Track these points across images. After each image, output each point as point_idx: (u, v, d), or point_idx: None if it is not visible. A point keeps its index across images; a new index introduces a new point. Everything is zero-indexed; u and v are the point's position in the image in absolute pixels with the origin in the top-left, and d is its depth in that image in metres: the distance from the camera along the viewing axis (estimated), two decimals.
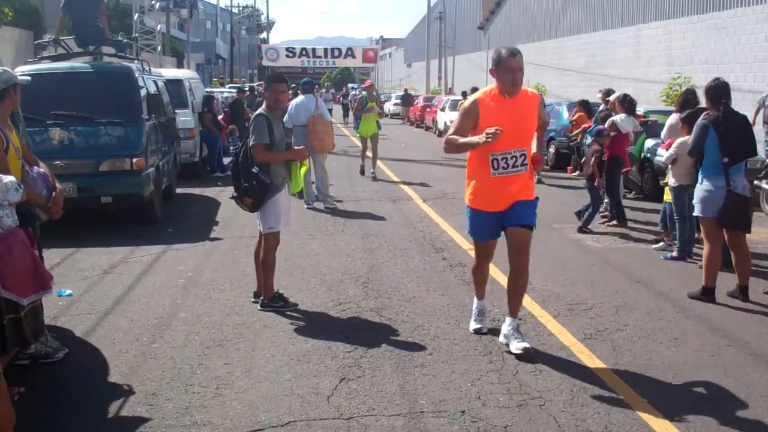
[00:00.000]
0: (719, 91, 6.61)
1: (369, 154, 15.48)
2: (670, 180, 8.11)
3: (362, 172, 15.44)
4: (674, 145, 7.94)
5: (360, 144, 16.33)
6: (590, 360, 5.11)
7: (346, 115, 36.59)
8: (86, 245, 8.56)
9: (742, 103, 13.78)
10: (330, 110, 30.44)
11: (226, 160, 16.00)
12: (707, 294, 6.58)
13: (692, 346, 5.45)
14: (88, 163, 9.00)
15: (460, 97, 25.81)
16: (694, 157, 6.95)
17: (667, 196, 8.38)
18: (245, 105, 20.04)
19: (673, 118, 8.68)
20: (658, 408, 4.35)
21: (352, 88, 39.97)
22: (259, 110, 6.35)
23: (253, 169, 6.05)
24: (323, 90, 24.06)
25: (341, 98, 39.01)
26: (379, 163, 15.68)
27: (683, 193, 7.98)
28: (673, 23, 20.68)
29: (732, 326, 5.93)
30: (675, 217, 8.15)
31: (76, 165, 8.87)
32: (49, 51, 11.68)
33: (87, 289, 6.81)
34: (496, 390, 4.58)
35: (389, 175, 15.60)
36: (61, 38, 11.19)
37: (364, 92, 16.18)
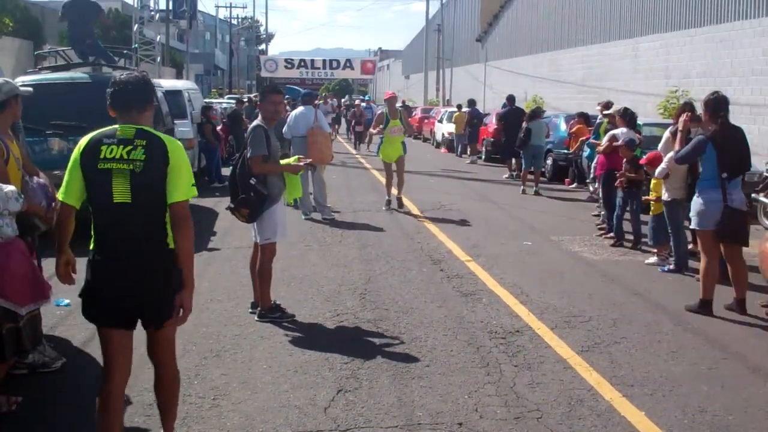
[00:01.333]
0: (718, 104, 6.62)
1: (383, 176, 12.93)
2: (664, 194, 8.13)
3: (388, 205, 12.35)
4: (666, 159, 7.94)
5: (385, 172, 12.77)
6: (588, 372, 5.12)
7: (349, 129, 30.91)
8: (85, 255, 8.52)
9: (740, 117, 13.84)
10: (337, 119, 30.00)
11: (225, 171, 16.02)
12: (705, 307, 6.58)
13: (690, 359, 5.45)
14: None
15: (456, 110, 25.89)
16: (681, 165, 7.05)
17: (652, 211, 8.48)
18: (244, 116, 20.08)
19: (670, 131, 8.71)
20: (655, 421, 4.36)
21: (348, 97, 38.34)
22: (256, 122, 6.37)
23: (251, 181, 6.08)
24: (320, 101, 23.71)
25: (345, 110, 36.75)
26: (375, 173, 14.69)
27: (677, 206, 8.02)
28: (670, 36, 20.76)
29: (729, 339, 5.93)
30: (669, 231, 8.20)
31: None
32: (49, 61, 11.72)
33: None
34: (494, 402, 4.58)
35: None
36: (60, 49, 11.24)
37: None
